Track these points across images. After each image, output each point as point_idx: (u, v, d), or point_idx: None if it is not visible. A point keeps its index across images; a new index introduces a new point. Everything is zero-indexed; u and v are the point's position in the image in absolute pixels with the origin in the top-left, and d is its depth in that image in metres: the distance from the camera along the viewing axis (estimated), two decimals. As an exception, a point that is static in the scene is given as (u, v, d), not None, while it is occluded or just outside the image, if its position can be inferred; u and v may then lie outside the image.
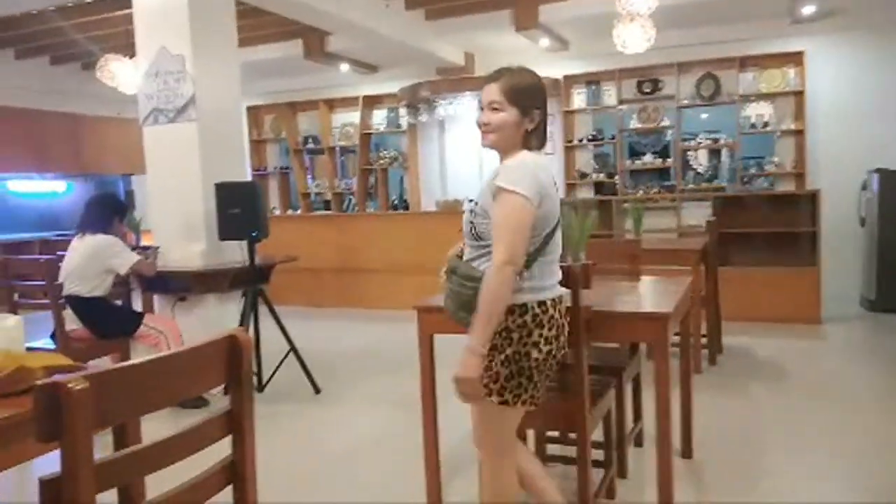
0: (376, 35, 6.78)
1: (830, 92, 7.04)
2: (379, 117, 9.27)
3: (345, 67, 8.53)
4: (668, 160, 7.80)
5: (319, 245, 7.84)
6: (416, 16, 7.18)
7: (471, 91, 7.90)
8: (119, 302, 4.77)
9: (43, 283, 3.82)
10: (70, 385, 1.06)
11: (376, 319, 7.01)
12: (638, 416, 3.32)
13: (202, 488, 1.34)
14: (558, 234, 2.11)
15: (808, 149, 7.09)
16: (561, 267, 2.32)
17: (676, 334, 2.90)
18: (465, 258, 2.09)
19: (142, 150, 4.80)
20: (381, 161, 9.17)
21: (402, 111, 8.92)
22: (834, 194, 6.54)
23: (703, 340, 4.78)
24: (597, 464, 2.72)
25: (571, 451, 3.04)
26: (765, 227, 6.41)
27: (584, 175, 8.07)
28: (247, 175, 5.02)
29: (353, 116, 9.24)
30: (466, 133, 7.92)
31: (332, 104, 9.39)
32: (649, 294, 2.88)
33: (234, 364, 1.37)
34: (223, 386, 1.38)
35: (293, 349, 4.45)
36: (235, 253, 4.54)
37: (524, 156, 2.03)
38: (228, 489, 1.41)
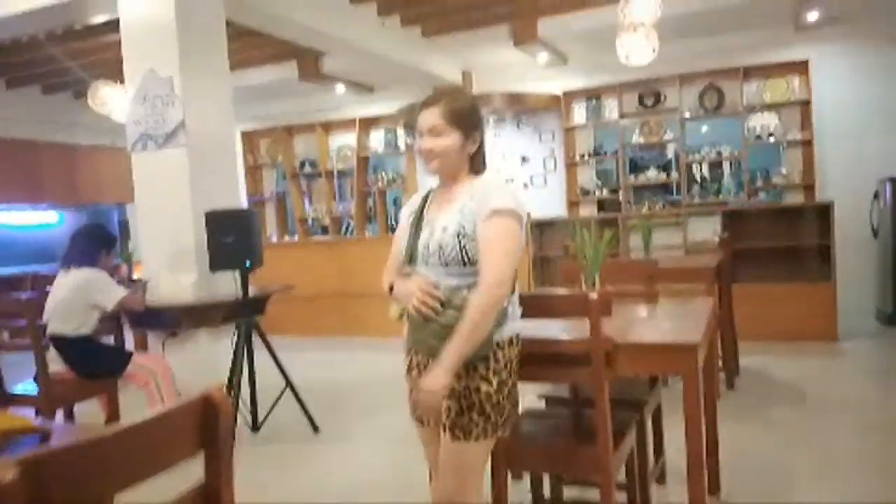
0: (372, 54, 6.64)
1: (837, 101, 6.87)
2: (376, 139, 9.12)
3: (340, 89, 8.40)
4: (672, 175, 7.62)
5: (317, 271, 7.64)
6: (413, 33, 7.05)
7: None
8: (112, 337, 4.57)
9: (22, 322, 3.61)
10: (-3, 476, 0.86)
11: (377, 348, 6.78)
12: (660, 450, 3.11)
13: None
14: None
15: (817, 159, 6.91)
16: (574, 294, 2.18)
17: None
18: (446, 287, 1.91)
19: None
20: (380, 183, 9.01)
21: (400, 132, 8.78)
22: (845, 205, 6.35)
23: (719, 362, 4.56)
24: (620, 507, 2.50)
25: (590, 494, 2.84)
26: (775, 241, 6.22)
27: (586, 192, 7.89)
28: (240, 202, 4.83)
29: (350, 139, 9.08)
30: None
31: (328, 127, 9.24)
32: (672, 320, 2.68)
33: (209, 429, 1.16)
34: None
35: (290, 385, 4.22)
36: (229, 284, 4.33)
37: (493, 177, 2.03)
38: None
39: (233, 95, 4.83)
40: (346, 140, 9.18)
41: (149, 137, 4.42)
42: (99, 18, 5.16)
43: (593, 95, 7.79)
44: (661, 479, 3.12)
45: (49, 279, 8.05)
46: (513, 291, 1.97)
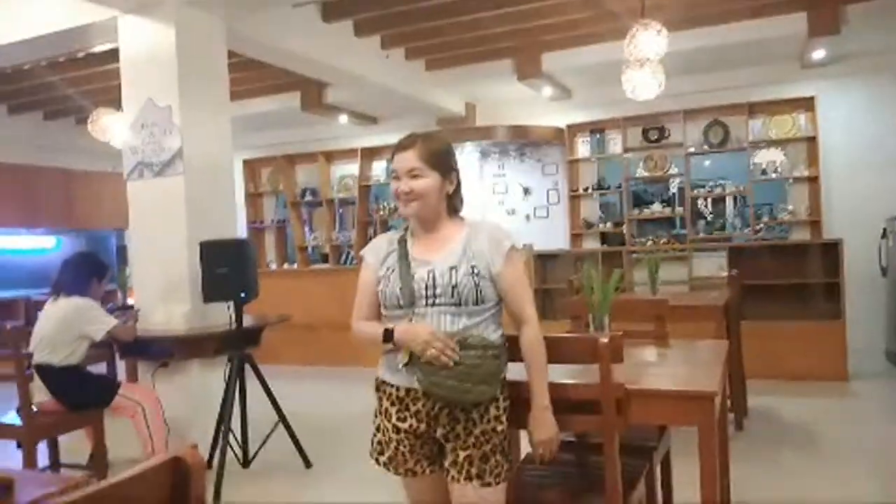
0: (376, 86, 6.61)
1: (844, 137, 6.81)
2: (378, 168, 9.06)
3: (343, 119, 8.36)
4: (677, 209, 7.54)
5: (316, 300, 7.51)
6: (417, 66, 7.02)
7: (472, 141, 7.72)
8: (103, 366, 4.44)
9: (6, 352, 3.49)
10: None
11: (372, 379, 6.63)
12: (669, 498, 2.95)
13: None
14: None
15: (823, 196, 6.83)
16: (584, 339, 2.14)
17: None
18: (457, 328, 1.88)
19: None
20: (381, 213, 8.92)
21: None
22: (852, 243, 6.22)
23: (728, 403, 4.42)
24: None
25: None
26: (782, 278, 6.10)
27: (589, 225, 7.80)
28: (238, 231, 4.74)
29: (352, 168, 9.03)
30: (467, 184, 7.69)
31: (330, 156, 9.19)
32: (685, 365, 2.55)
33: (179, 496, 1.04)
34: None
35: (282, 419, 4.08)
36: (223, 314, 4.21)
37: (481, 218, 2.15)
38: None
39: (235, 124, 4.78)
40: (347, 169, 9.13)
41: (145, 166, 4.34)
42: (101, 47, 5.12)
43: (597, 129, 7.75)
44: (671, 529, 2.96)
45: (42, 304, 7.96)
46: None
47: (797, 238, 6.90)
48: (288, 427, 4.09)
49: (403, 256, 1.99)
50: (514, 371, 2.02)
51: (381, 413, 2.02)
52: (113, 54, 4.90)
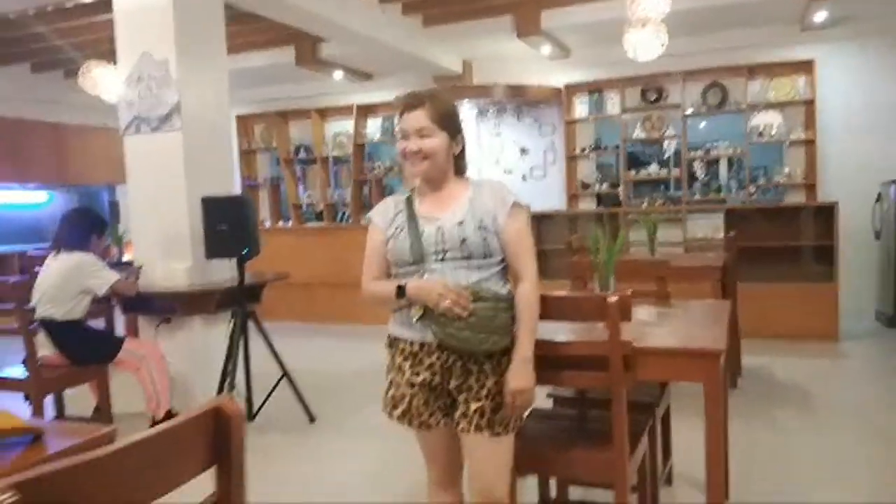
0: (371, 41, 6.50)
1: (842, 101, 6.80)
2: (373, 126, 8.98)
3: (338, 75, 8.24)
4: (674, 171, 7.54)
5: (312, 258, 7.52)
6: (414, 22, 6.90)
7: (469, 99, 7.65)
8: (102, 321, 4.45)
9: (9, 306, 3.49)
10: (-9, 500, 0.76)
11: (372, 336, 6.65)
12: (667, 452, 3.04)
13: None
14: None
15: (820, 159, 6.85)
16: (592, 297, 2.16)
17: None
18: (468, 281, 1.92)
19: (123, 160, 4.49)
20: (376, 171, 8.88)
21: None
22: (847, 206, 6.27)
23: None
24: (630, 513, 2.42)
25: (595, 495, 2.77)
26: (776, 240, 6.17)
27: (586, 186, 7.80)
28: (235, 187, 4.70)
29: (347, 125, 8.94)
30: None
31: (324, 113, 9.09)
32: (690, 323, 2.59)
33: (221, 442, 1.06)
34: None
35: (286, 374, 4.13)
36: (223, 271, 4.23)
37: (485, 177, 2.20)
38: None
39: (228, 78, 4.68)
40: (342, 127, 9.04)
41: (142, 120, 4.29)
42: (91, -4, 4.99)
43: (595, 89, 7.69)
44: (669, 481, 3.05)
45: (38, 260, 7.93)
46: None
47: (792, 201, 6.94)
48: (291, 382, 4.14)
49: (411, 215, 2.01)
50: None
51: (393, 368, 2.05)
52: (103, 5, 4.78)
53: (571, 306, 2.16)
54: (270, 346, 4.08)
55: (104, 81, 6.31)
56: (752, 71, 6.99)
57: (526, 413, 2.05)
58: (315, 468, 3.52)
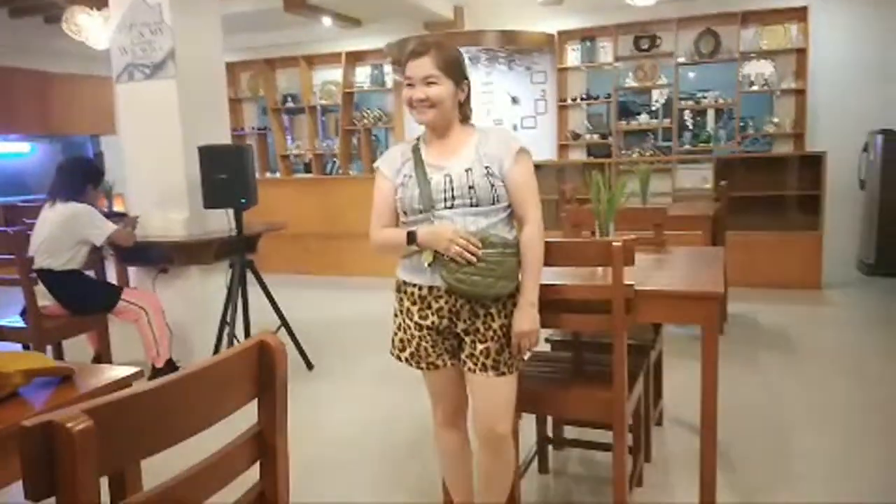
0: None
1: (833, 50, 6.81)
2: (362, 75, 8.85)
3: (327, 21, 8.08)
4: (664, 121, 7.56)
5: (302, 210, 7.52)
6: (404, -35, 6.77)
7: (460, 46, 7.55)
8: (91, 272, 4.47)
9: (9, 256, 3.50)
10: (69, 426, 0.81)
11: (364, 287, 6.77)
12: (658, 393, 3.16)
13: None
14: None
15: (809, 109, 6.89)
16: (597, 242, 2.23)
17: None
18: (477, 228, 1.96)
19: (112, 110, 4.44)
20: (365, 121, 8.80)
21: (388, 68, 8.53)
22: (834, 156, 6.36)
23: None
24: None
25: (590, 434, 2.89)
26: (765, 189, 6.26)
27: (577, 136, 7.81)
28: (229, 137, 4.66)
29: (335, 74, 8.81)
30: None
31: (312, 61, 8.94)
32: (686, 268, 2.67)
33: (264, 375, 1.12)
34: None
35: (284, 323, 4.19)
36: (219, 221, 4.24)
37: (486, 124, 2.20)
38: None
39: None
40: (330, 75, 8.91)
41: (136, 67, 4.22)
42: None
43: (588, 36, 7.62)
44: (660, 421, 3.18)
45: (22, 211, 7.86)
46: None
47: (780, 151, 7.01)
48: (290, 331, 4.20)
49: (419, 163, 2.04)
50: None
51: (401, 312, 2.11)
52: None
53: (577, 251, 2.22)
54: (269, 295, 4.13)
55: (89, 28, 6.16)
56: (746, 18, 6.96)
57: (528, 354, 2.13)
58: (315, 415, 3.61)
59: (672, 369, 3.42)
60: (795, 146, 6.96)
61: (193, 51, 4.22)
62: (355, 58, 8.71)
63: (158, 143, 4.21)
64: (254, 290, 4.13)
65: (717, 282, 2.26)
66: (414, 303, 2.06)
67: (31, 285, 3.52)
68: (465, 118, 2.10)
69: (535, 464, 2.80)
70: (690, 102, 7.44)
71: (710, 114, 7.70)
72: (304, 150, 9.14)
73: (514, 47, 7.65)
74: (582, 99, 7.76)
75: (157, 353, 3.90)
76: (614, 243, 2.09)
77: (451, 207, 1.98)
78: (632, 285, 2.15)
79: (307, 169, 9.24)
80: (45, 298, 3.67)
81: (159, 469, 1.09)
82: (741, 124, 7.15)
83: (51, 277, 3.65)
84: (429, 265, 1.98)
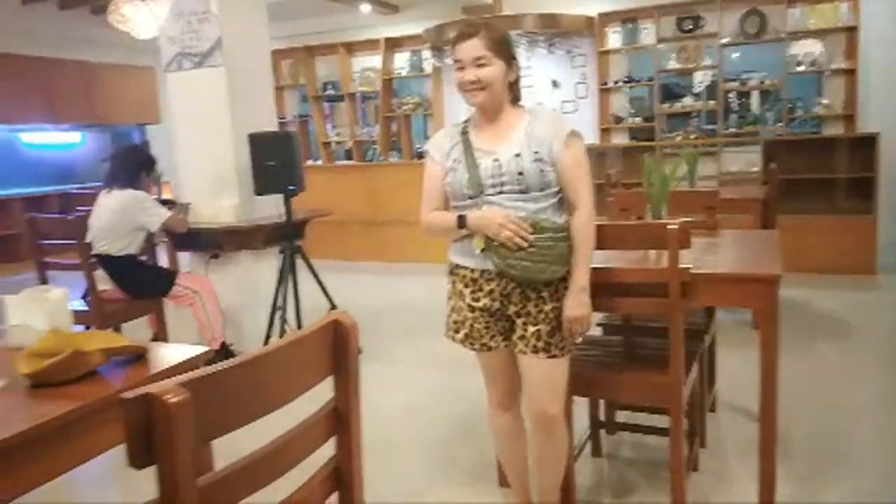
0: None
1: (886, 28, 6.58)
2: (401, 61, 8.87)
3: (366, 8, 8.12)
4: (709, 103, 7.41)
5: (344, 196, 7.57)
6: (444, -50, 6.74)
7: (500, 32, 7.51)
8: (144, 257, 4.58)
9: (68, 241, 3.61)
10: (166, 397, 0.84)
11: (405, 273, 6.81)
12: (711, 379, 3.12)
13: (304, 502, 1.13)
14: None
15: (860, 89, 6.69)
16: (652, 225, 2.21)
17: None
18: (526, 213, 1.96)
19: (156, 99, 4.52)
20: (405, 107, 8.82)
21: (426, 54, 8.53)
22: (887, 137, 6.16)
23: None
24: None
25: (641, 418, 2.88)
26: (815, 172, 6.09)
27: (619, 119, 7.71)
28: (276, 124, 4.73)
29: (374, 60, 8.85)
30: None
31: (351, 48, 8.98)
32: (741, 251, 2.63)
33: (339, 352, 1.15)
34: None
35: (334, 308, 4.25)
36: (267, 208, 4.31)
37: (540, 105, 2.04)
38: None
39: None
40: (369, 62, 8.95)
41: (184, 56, 4.29)
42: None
43: (629, 18, 7.50)
44: (713, 408, 3.15)
45: (75, 198, 8.09)
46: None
47: (829, 133, 6.82)
48: (338, 314, 4.25)
49: (468, 148, 2.04)
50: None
51: (455, 295, 2.12)
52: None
53: (631, 234, 2.21)
54: (318, 280, 4.19)
55: (134, 18, 6.27)
56: (794, -4, 6.77)
57: (580, 338, 2.12)
58: (366, 397, 3.64)
59: (723, 355, 3.38)
60: (846, 128, 6.76)
61: (240, 39, 4.27)
62: (394, 44, 8.73)
63: (208, 131, 4.29)
64: (302, 276, 4.20)
65: (775, 264, 2.23)
66: (466, 285, 2.08)
67: (91, 270, 3.63)
68: (515, 99, 2.08)
69: (588, 448, 2.80)
70: (736, 84, 7.28)
71: (756, 95, 7.53)
72: (345, 137, 9.21)
73: (553, 31, 7.57)
74: (624, 82, 7.66)
75: (211, 336, 3.98)
76: (670, 226, 2.07)
77: (500, 193, 1.98)
78: (688, 268, 2.13)
79: (348, 156, 9.32)
80: (104, 283, 3.78)
81: (224, 449, 1.11)
82: (788, 106, 6.97)
83: (109, 262, 3.76)
84: (481, 251, 1.99)
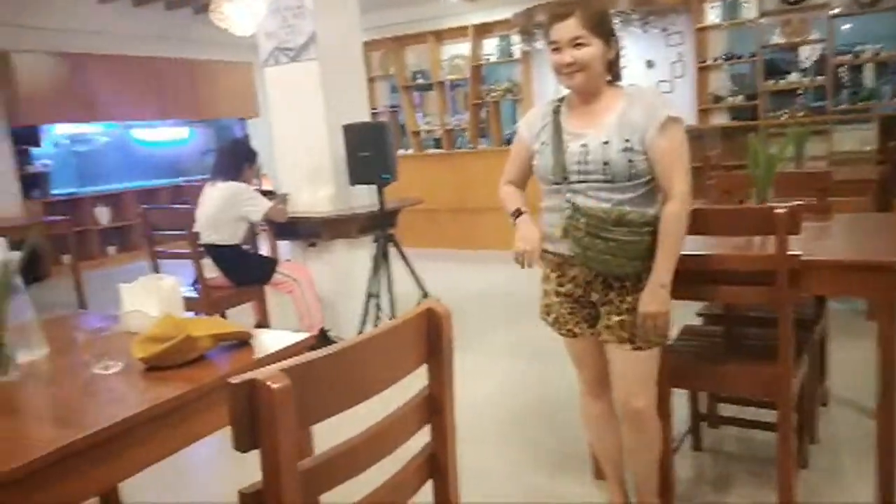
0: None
1: None
2: (489, 47, 8.83)
3: (454, -5, 8.12)
4: (817, 78, 6.96)
5: (434, 185, 7.63)
6: (533, -68, 6.63)
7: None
8: (247, 247, 4.78)
9: (179, 231, 3.82)
10: (269, 383, 0.87)
11: (494, 261, 6.78)
12: (823, 372, 2.95)
13: (400, 488, 1.15)
14: None
15: None
16: (758, 209, 2.09)
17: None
18: (610, 204, 1.89)
19: (254, 94, 4.69)
20: (494, 94, 8.78)
21: (515, 39, 8.45)
22: None
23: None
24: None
25: (747, 412, 2.76)
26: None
27: (718, 99, 7.38)
28: (368, 115, 4.81)
29: (463, 48, 8.85)
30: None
31: (440, 36, 9.02)
32: (856, 236, 2.46)
33: (433, 340, 1.15)
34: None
35: (426, 296, 4.30)
36: (361, 197, 4.40)
37: (643, 85, 2.05)
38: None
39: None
40: (458, 49, 8.96)
41: (281, 51, 4.43)
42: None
43: (730, -9, 7.15)
44: (824, 402, 2.97)
45: (183, 190, 8.55)
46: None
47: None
48: (430, 302, 4.30)
49: (557, 129, 1.98)
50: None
51: (544, 278, 2.11)
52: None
53: (736, 219, 2.10)
54: (411, 268, 4.25)
55: (234, 16, 6.53)
56: (916, -41, 6.25)
57: (671, 332, 2.03)
58: (463, 384, 3.67)
59: (835, 347, 3.18)
60: (976, 100, 6.19)
61: (333, 32, 4.36)
62: (483, 30, 8.70)
63: (304, 123, 4.41)
64: (394, 264, 4.27)
65: (894, 251, 2.06)
66: (553, 270, 2.06)
67: (199, 258, 3.82)
68: (615, 78, 1.98)
69: (688, 441, 2.71)
70: (848, 57, 6.80)
71: (870, 68, 7.01)
72: (435, 125, 9.27)
73: (648, 9, 7.31)
74: (724, 59, 7.31)
75: (310, 323, 4.12)
76: (778, 210, 1.96)
77: (584, 182, 1.91)
78: (798, 255, 2.00)
79: (437, 144, 9.38)
80: (211, 271, 3.98)
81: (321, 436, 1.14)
82: (910, 78, 6.46)
83: (215, 251, 3.95)
84: (560, 237, 1.97)
